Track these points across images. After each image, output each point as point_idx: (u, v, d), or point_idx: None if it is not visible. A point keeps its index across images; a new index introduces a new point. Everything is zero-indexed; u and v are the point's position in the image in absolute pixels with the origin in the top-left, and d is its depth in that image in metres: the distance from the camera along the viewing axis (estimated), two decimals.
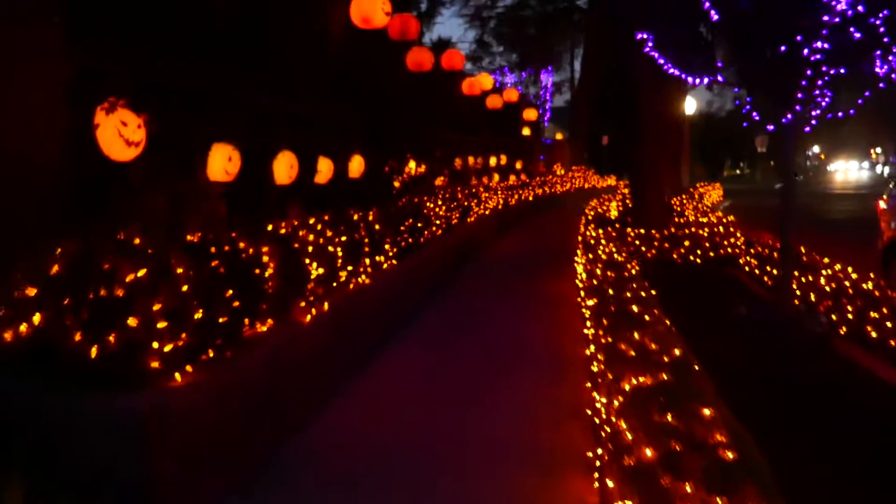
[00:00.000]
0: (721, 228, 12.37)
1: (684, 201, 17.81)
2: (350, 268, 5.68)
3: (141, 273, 3.09)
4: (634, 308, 5.45)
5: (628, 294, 6.03)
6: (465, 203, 11.50)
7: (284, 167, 5.96)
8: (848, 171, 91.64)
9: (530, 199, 18.99)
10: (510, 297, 8.36)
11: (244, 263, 3.85)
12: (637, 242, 11.28)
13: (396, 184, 9.42)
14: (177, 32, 4.85)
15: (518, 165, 20.27)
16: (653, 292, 6.33)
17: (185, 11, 4.92)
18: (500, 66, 33.68)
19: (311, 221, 5.38)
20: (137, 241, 3.35)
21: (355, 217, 6.47)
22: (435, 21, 30.19)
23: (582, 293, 7.41)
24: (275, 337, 4.05)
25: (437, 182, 11.23)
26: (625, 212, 15.55)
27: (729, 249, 10.88)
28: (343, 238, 5.65)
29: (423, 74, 10.85)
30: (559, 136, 31.71)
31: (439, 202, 9.67)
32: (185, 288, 3.33)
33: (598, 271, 7.22)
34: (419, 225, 8.06)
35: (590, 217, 14.54)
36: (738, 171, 77.42)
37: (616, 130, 40.05)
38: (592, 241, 9.78)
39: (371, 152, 8.33)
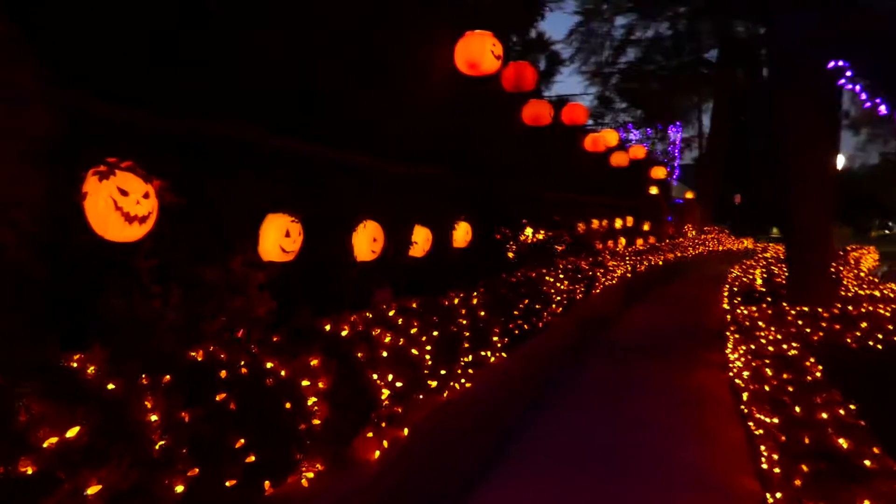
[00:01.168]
0: None
1: (840, 268, 15.49)
2: (443, 371, 4.38)
3: (71, 433, 1.91)
4: (842, 443, 3.83)
5: (823, 415, 4.37)
6: (590, 273, 10.01)
7: (366, 240, 4.79)
8: None
9: (660, 264, 17.19)
10: (646, 396, 6.74)
11: (269, 393, 2.62)
12: (800, 322, 9.35)
13: (510, 255, 8.10)
14: (219, 65, 3.78)
15: (646, 227, 18.59)
16: (851, 406, 4.63)
17: (230, 39, 3.84)
18: (623, 123, 31.97)
19: (391, 314, 4.13)
20: (91, 369, 2.19)
21: (456, 301, 5.20)
22: (553, 80, 29.12)
23: (744, 396, 5.77)
24: (319, 496, 2.78)
25: (558, 249, 9.82)
26: (770, 279, 13.52)
27: None
28: (435, 332, 4.38)
29: (541, 129, 9.61)
30: (689, 195, 29.52)
31: (560, 275, 8.26)
32: (159, 445, 2.13)
33: (769, 371, 5.57)
34: (537, 307, 6.67)
35: (735, 288, 12.62)
36: (886, 231, 71.17)
37: (749, 188, 37.40)
38: (748, 323, 8.05)
39: (480, 218, 7.09)
